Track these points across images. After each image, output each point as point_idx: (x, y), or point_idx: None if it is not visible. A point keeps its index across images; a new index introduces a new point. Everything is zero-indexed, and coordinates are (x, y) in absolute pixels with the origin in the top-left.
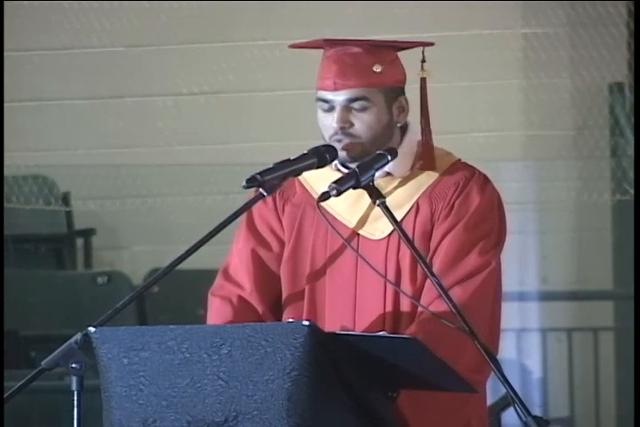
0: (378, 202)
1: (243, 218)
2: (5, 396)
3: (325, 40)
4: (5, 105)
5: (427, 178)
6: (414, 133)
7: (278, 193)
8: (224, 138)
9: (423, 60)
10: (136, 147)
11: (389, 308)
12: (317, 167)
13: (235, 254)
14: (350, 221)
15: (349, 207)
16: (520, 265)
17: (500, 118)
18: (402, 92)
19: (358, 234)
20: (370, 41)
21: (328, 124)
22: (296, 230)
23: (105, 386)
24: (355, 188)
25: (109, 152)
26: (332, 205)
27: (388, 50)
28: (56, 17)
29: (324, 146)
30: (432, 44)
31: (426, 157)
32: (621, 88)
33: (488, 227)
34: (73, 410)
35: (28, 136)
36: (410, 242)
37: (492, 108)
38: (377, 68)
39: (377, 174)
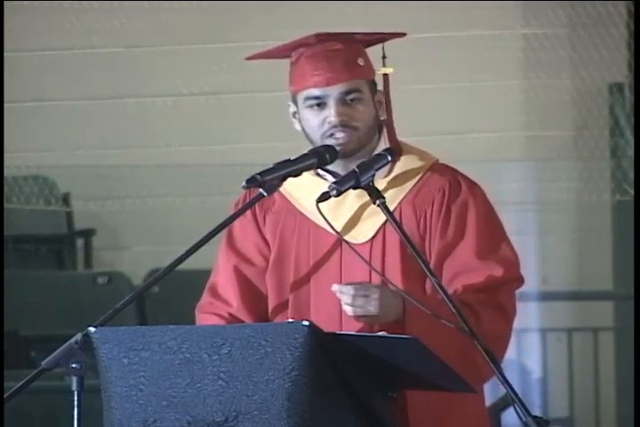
0: (378, 202)
1: (223, 234)
2: (5, 396)
3: (314, 35)
4: (5, 105)
5: (407, 180)
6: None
7: (257, 204)
8: (224, 138)
9: (384, 57)
10: (136, 147)
11: None
12: (317, 167)
13: (219, 272)
14: (331, 224)
15: (331, 212)
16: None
17: (501, 119)
18: (377, 86)
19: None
20: (344, 35)
21: (319, 122)
22: (278, 239)
23: (105, 386)
24: (355, 188)
25: (109, 152)
26: (309, 208)
27: (362, 45)
28: (56, 17)
29: (323, 146)
30: (404, 34)
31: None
32: (621, 88)
33: (495, 233)
34: (73, 410)
35: (28, 136)
36: (410, 242)
37: (493, 108)
38: (360, 62)
39: None
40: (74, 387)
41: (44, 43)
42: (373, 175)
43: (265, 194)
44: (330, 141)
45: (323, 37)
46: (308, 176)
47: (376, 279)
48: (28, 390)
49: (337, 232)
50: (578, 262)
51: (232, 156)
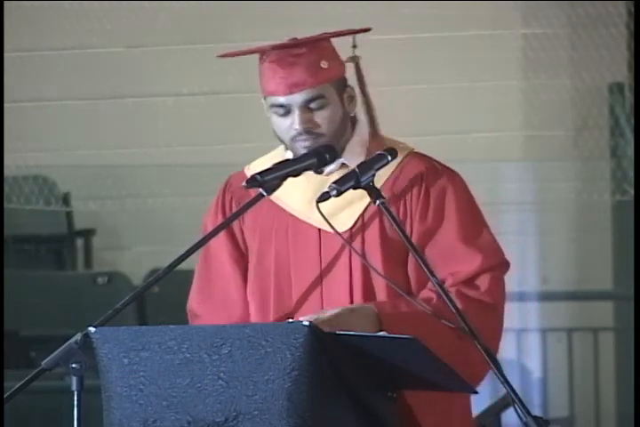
0: (378, 202)
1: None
2: (5, 396)
3: (270, 46)
4: (5, 105)
5: (385, 169)
6: (363, 124)
7: (234, 204)
8: (224, 138)
9: (354, 46)
10: (136, 147)
11: (358, 301)
12: (317, 167)
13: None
14: (309, 216)
15: (309, 203)
16: (520, 265)
17: (500, 118)
18: (346, 81)
19: (319, 229)
20: (308, 38)
21: (286, 127)
22: (259, 235)
23: (105, 386)
24: (355, 188)
25: (109, 152)
26: (288, 202)
27: (327, 43)
28: (56, 17)
29: (323, 146)
30: (368, 29)
31: (375, 141)
32: (621, 88)
33: (477, 219)
34: (73, 410)
35: (28, 136)
36: (407, 238)
37: (492, 108)
38: (324, 65)
39: (332, 166)
40: (74, 387)
41: (44, 43)
42: (373, 175)
43: (265, 194)
44: (297, 145)
45: (283, 45)
46: None
47: (356, 269)
48: (27, 390)
49: (335, 230)
50: (578, 262)
51: (232, 156)
